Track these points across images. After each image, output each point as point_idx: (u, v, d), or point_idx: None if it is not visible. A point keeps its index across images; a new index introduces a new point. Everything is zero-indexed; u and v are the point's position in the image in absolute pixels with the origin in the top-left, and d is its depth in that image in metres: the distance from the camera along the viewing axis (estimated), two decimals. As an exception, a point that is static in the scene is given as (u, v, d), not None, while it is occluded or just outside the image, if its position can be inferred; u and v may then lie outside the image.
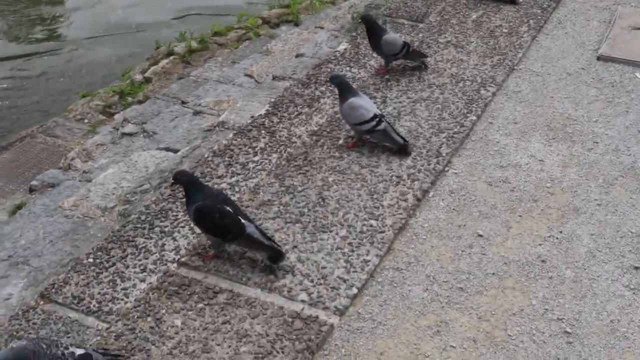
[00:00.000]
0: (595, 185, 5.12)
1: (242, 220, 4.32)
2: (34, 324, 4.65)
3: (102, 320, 4.56)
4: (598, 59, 6.41)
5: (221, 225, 4.34)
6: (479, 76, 6.11)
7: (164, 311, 4.21)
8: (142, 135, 8.06)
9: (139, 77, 9.56)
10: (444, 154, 5.29)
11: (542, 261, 4.57)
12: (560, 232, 4.76)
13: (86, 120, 8.94)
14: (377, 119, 5.19)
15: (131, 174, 6.98)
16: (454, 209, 4.90)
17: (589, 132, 5.59)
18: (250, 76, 8.55)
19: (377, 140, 5.30)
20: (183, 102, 8.40)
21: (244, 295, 4.28)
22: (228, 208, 4.35)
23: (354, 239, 4.62)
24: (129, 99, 9.18)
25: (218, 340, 4.03)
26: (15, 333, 4.61)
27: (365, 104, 5.24)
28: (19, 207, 7.44)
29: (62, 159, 8.15)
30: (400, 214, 4.80)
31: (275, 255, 4.37)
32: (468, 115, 5.68)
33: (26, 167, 8.35)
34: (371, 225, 4.71)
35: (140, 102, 9.03)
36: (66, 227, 6.43)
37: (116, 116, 8.88)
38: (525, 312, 4.25)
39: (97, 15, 12.16)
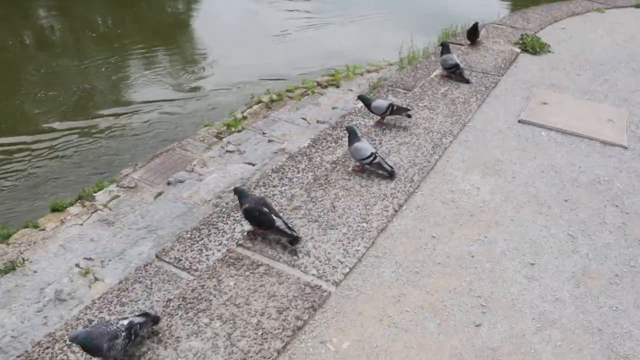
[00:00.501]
0: (511, 207, 4.71)
1: (274, 217, 4.10)
2: (149, 273, 4.41)
3: (191, 275, 4.31)
4: (519, 122, 6.00)
5: (259, 220, 4.12)
6: (442, 130, 5.71)
7: (223, 275, 3.94)
8: (237, 153, 7.81)
9: (239, 115, 9.31)
10: (415, 180, 4.92)
11: (472, 256, 4.18)
12: (486, 237, 4.36)
13: (205, 141, 8.71)
14: (373, 156, 4.86)
15: (225, 178, 6.72)
16: (418, 218, 4.52)
17: (509, 170, 5.17)
18: (305, 119, 8.24)
19: (374, 168, 4.95)
20: (263, 133, 8.12)
21: (276, 268, 3.97)
22: (265, 209, 4.10)
23: (351, 235, 4.27)
24: (232, 129, 8.93)
25: (255, 297, 3.74)
26: (138, 279, 4.39)
27: (365, 146, 4.91)
28: (160, 194, 7.25)
29: (189, 164, 7.94)
30: (383, 220, 4.45)
31: (293, 239, 4.13)
32: (433, 155, 5.29)
33: (168, 168, 8.15)
34: (363, 227, 4.36)
35: (239, 132, 8.77)
36: (183, 210, 6.20)
37: (224, 139, 8.63)
38: (457, 290, 3.88)
39: (223, 74, 12.00)
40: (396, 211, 4.56)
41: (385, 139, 5.55)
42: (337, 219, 4.43)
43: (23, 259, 6.54)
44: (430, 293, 3.85)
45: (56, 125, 10.17)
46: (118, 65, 12.71)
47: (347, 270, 3.97)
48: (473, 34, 7.91)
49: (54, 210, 7.51)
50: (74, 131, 10.02)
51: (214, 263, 4.04)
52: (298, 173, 5.44)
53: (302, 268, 3.97)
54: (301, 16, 15.39)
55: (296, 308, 3.66)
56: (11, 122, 10.45)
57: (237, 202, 4.50)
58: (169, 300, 3.77)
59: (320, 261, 4.03)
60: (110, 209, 7.32)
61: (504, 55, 7.62)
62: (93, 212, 7.33)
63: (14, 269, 6.30)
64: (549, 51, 8.00)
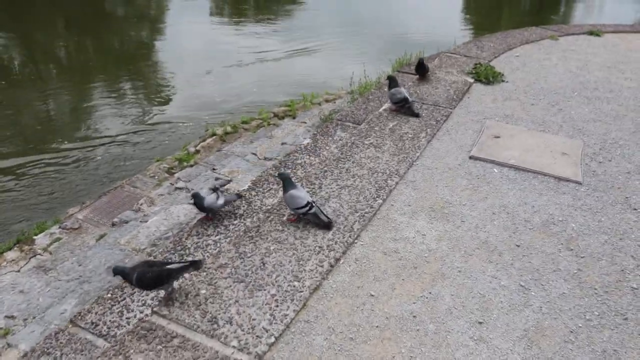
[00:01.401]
0: (459, 256, 4.17)
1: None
2: (60, 343, 3.79)
3: (108, 342, 3.71)
4: (470, 158, 5.48)
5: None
6: (388, 169, 5.17)
7: (132, 351, 3.33)
8: (185, 190, 7.22)
9: (192, 149, 8.72)
10: (355, 229, 4.35)
11: (414, 316, 3.61)
12: (430, 292, 3.80)
13: (156, 177, 8.09)
14: (309, 206, 4.31)
15: (167, 221, 6.12)
16: (356, 274, 3.95)
17: (459, 213, 4.64)
18: (255, 154, 7.66)
19: (309, 218, 4.39)
20: (213, 169, 7.54)
21: (192, 340, 3.37)
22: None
23: (280, 296, 3.68)
24: (185, 163, 8.33)
25: (166, 378, 3.16)
26: (47, 350, 3.78)
27: (301, 195, 4.36)
28: (102, 236, 6.62)
29: (136, 203, 7.33)
30: (317, 277, 3.86)
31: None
32: (377, 199, 4.74)
33: (115, 207, 7.52)
34: (294, 286, 3.77)
35: (190, 166, 8.18)
36: (118, 258, 5.58)
37: (175, 175, 8.03)
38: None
39: (184, 104, 11.46)
40: (332, 266, 3.98)
41: (326, 182, 4.98)
42: (266, 277, 3.84)
43: (-50, 312, 5.87)
44: (365, 364, 3.30)
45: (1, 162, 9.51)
46: (77, 95, 12.08)
47: (273, 340, 3.38)
48: (421, 68, 7.42)
49: (-10, 256, 6.85)
50: (21, 166, 9.35)
51: (123, 336, 3.44)
52: (235, 220, 4.86)
53: (222, 339, 3.37)
54: (266, 46, 14.90)
55: (210, 390, 3.08)
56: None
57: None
58: (65, 386, 3.19)
59: (243, 329, 3.43)
60: (50, 253, 6.66)
61: (456, 86, 7.14)
62: (31, 257, 6.67)
63: (-63, 324, 5.63)
64: (503, 80, 7.56)
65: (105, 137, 10.30)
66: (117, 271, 3.65)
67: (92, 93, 12.27)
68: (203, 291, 3.73)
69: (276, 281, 3.80)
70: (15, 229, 7.56)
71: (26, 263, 6.56)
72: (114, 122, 10.85)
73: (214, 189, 4.88)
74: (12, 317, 5.05)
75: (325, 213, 4.39)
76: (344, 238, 4.24)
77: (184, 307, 3.59)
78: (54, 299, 5.16)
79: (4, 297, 5.73)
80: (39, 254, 6.70)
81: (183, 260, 3.90)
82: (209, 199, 4.77)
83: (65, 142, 10.10)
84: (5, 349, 4.55)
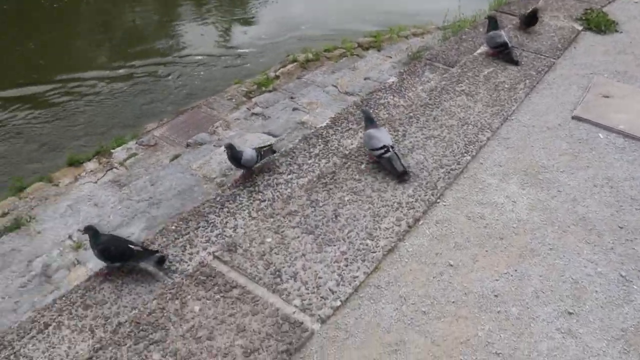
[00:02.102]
0: (552, 230, 3.61)
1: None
2: (122, 271, 3.58)
3: (169, 277, 3.48)
4: (572, 118, 4.76)
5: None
6: (480, 122, 4.57)
7: (189, 297, 3.06)
8: (261, 117, 6.87)
9: (272, 74, 8.32)
10: (439, 187, 3.84)
11: (495, 295, 3.15)
12: (515, 270, 3.31)
13: (234, 100, 7.78)
14: (385, 149, 3.85)
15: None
16: (436, 238, 3.49)
17: (555, 181, 4.03)
18: (335, 87, 7.15)
19: (384, 164, 3.94)
20: (291, 98, 7.12)
21: (253, 292, 3.06)
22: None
23: (351, 254, 3.29)
24: (263, 88, 7.96)
25: (221, 330, 2.85)
26: (109, 277, 3.59)
27: (379, 135, 3.91)
28: (176, 157, 6.43)
29: (211, 125, 7.07)
30: (392, 237, 3.43)
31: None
32: (465, 155, 4.19)
33: (191, 127, 7.30)
34: (367, 245, 3.36)
35: (269, 92, 7.80)
36: (188, 183, 5.34)
37: (253, 99, 7.69)
38: (471, 342, 2.88)
39: (268, 28, 10.97)
40: (410, 227, 3.53)
41: (411, 129, 4.45)
42: (337, 231, 3.44)
43: (30, 216, 5.88)
44: (437, 343, 2.88)
45: (93, 73, 9.41)
46: (165, 14, 11.77)
47: (339, 303, 3.02)
48: (532, 19, 6.47)
49: (71, 164, 6.82)
50: (107, 78, 9.26)
51: (181, 279, 3.17)
52: (310, 159, 4.46)
53: (284, 295, 3.05)
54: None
55: (267, 351, 2.76)
56: (49, 65, 9.75)
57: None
58: (119, 324, 2.96)
59: (308, 288, 3.09)
60: (126, 168, 6.56)
61: (562, 33, 6.28)
62: (108, 170, 6.59)
63: (19, 227, 5.65)
64: (617, 30, 6.60)
65: (187, 56, 10.03)
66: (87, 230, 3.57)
67: (180, 12, 11.92)
68: (269, 239, 3.39)
69: (348, 237, 3.40)
70: (100, 139, 7.50)
71: (103, 175, 6.48)
72: (197, 42, 10.54)
73: (257, 150, 4.29)
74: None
75: (402, 162, 3.90)
76: (425, 196, 3.76)
77: (247, 255, 3.28)
78: (123, 219, 5.01)
79: (80, 208, 5.67)
80: (116, 168, 6.60)
81: (149, 248, 3.61)
82: (247, 153, 4.22)
83: (150, 58, 9.90)
84: (74, 265, 4.45)
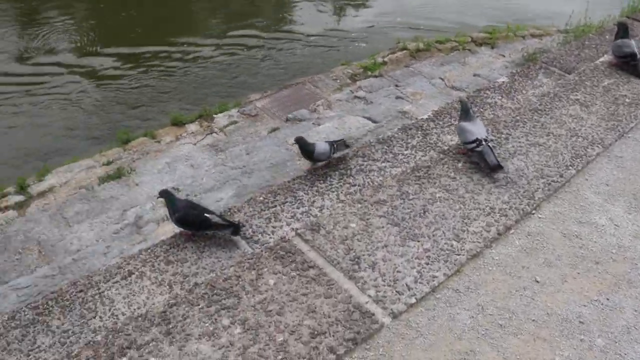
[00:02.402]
0: (656, 263, 3.36)
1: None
2: (206, 233, 3.68)
3: (249, 246, 3.54)
4: (700, 144, 4.34)
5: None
6: (591, 135, 4.27)
7: (266, 270, 3.10)
8: (363, 102, 6.82)
9: (380, 59, 8.22)
10: (536, 198, 3.64)
11: (581, 322, 2.96)
12: (607, 299, 3.08)
13: (338, 81, 7.77)
14: (478, 142, 3.73)
15: (339, 130, 5.80)
16: (525, 250, 3.32)
17: (668, 210, 3.74)
18: (442, 79, 6.96)
19: (476, 159, 3.82)
20: (396, 85, 7.01)
21: (329, 276, 3.05)
22: None
23: (434, 253, 3.20)
24: (369, 72, 7.89)
25: (292, 308, 2.87)
26: (192, 237, 3.70)
27: (472, 129, 3.79)
28: (274, 130, 6.53)
29: (313, 103, 7.10)
30: (479, 242, 3.29)
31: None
32: (569, 168, 3.93)
33: (293, 102, 7.38)
34: (451, 246, 3.25)
35: (375, 77, 7.73)
36: (282, 158, 5.41)
37: (357, 83, 7.65)
38: (547, 366, 2.76)
39: (372, 13, 10.85)
40: (500, 234, 3.38)
41: (515, 133, 4.24)
42: (423, 227, 3.36)
43: (130, 168, 6.19)
44: (510, 360, 2.78)
45: (206, 40, 9.73)
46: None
47: (414, 300, 2.95)
48: None
49: (174, 123, 7.09)
50: (217, 46, 9.54)
51: (261, 251, 3.21)
52: (406, 150, 4.37)
53: (359, 283, 3.02)
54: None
55: (334, 336, 2.75)
56: (164, 27, 10.19)
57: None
58: (195, 284, 3.04)
59: (385, 280, 3.04)
60: (225, 134, 6.74)
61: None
62: (208, 134, 6.80)
63: (120, 177, 5.97)
64: None
65: (299, 33, 10.11)
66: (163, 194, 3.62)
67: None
68: (353, 225, 3.36)
69: (433, 235, 3.31)
70: (196, 103, 7.76)
71: (203, 138, 6.69)
72: (310, 20, 10.59)
73: (330, 143, 4.11)
74: (177, 189, 5.13)
75: (496, 155, 3.74)
76: (521, 205, 3.58)
77: (329, 237, 3.27)
78: (215, 183, 5.15)
79: (177, 166, 5.89)
80: (215, 133, 6.80)
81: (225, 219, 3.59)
82: (320, 147, 4.05)
83: (262, 32, 10.08)
84: (163, 220, 4.63)
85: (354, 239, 3.26)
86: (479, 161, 3.82)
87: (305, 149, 4.08)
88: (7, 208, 5.95)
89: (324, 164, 4.17)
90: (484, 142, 3.75)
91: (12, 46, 9.36)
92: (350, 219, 3.40)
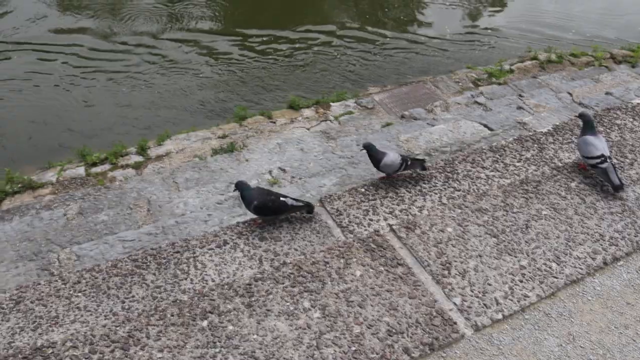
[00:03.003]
0: None
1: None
2: (303, 216, 3.76)
3: (343, 234, 3.58)
4: None
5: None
6: None
7: (354, 260, 3.11)
8: (482, 108, 6.60)
9: (506, 67, 7.93)
10: (656, 232, 3.39)
11: (685, 372, 2.74)
12: None
13: (460, 84, 7.59)
14: (602, 159, 3.56)
15: (452, 133, 5.66)
16: (632, 286, 3.08)
17: None
18: (570, 94, 6.56)
19: (598, 176, 3.64)
20: (520, 96, 6.71)
21: (416, 276, 3.02)
22: None
23: (530, 271, 3.06)
24: (493, 79, 7.64)
25: (374, 302, 2.87)
26: (289, 218, 3.79)
27: (597, 144, 3.63)
28: (388, 125, 6.50)
29: (431, 103, 6.99)
30: (581, 269, 3.11)
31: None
32: None
33: (411, 100, 7.31)
34: (550, 267, 3.09)
35: (499, 84, 7.47)
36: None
37: (480, 88, 7.43)
38: (638, 412, 2.57)
39: (506, 17, 10.48)
40: (606, 264, 3.17)
41: (646, 162, 3.96)
42: (522, 243, 3.22)
43: (243, 144, 6.43)
44: (595, 399, 2.60)
45: (334, 30, 9.87)
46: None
47: (500, 317, 2.85)
48: None
49: (291, 107, 7.26)
50: (344, 37, 9.62)
51: (352, 241, 3.23)
52: (518, 162, 4.20)
53: (447, 289, 2.95)
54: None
55: (411, 337, 2.72)
56: (291, 13, 10.45)
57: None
58: (283, 263, 3.11)
59: (473, 290, 2.95)
60: (339, 123, 6.81)
61: None
62: (322, 121, 6.90)
63: (232, 151, 6.21)
64: None
65: (424, 33, 9.96)
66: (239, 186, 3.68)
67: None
68: (450, 229, 3.30)
69: (532, 252, 3.17)
70: (313, 90, 7.90)
71: (316, 125, 6.80)
72: (440, 21, 10.41)
73: (404, 158, 3.98)
74: (284, 170, 5.25)
75: (619, 176, 3.51)
76: (636, 237, 3.34)
77: (423, 238, 3.23)
78: (321, 169, 5.22)
79: (287, 148, 6.03)
80: (330, 121, 6.88)
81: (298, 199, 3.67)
82: (389, 158, 3.96)
83: (390, 29, 10.04)
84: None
85: (448, 244, 3.19)
86: (601, 178, 3.63)
87: (374, 156, 4.03)
88: (127, 166, 6.40)
89: (392, 176, 4.09)
90: (608, 160, 3.55)
91: (151, 26, 9.99)
92: (448, 222, 3.33)
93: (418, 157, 4.11)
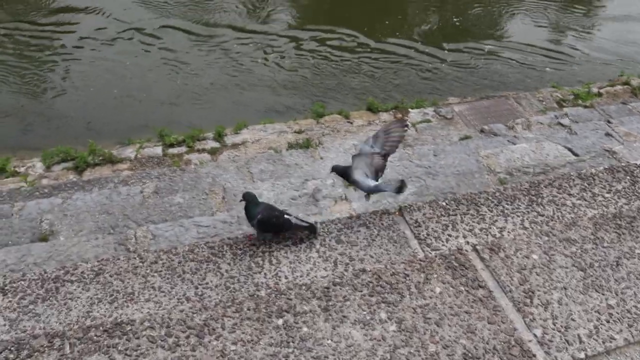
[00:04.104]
0: None
1: None
2: (382, 222, 3.73)
3: (420, 247, 3.53)
4: None
5: None
6: None
7: (435, 276, 3.05)
8: (566, 131, 6.39)
9: (594, 90, 7.67)
10: None
11: None
12: None
13: (544, 103, 7.38)
14: None
15: (534, 154, 5.49)
16: None
17: None
18: (671, 125, 6.27)
19: None
20: (608, 122, 6.45)
21: (497, 301, 2.93)
22: None
23: (618, 312, 2.92)
24: (580, 101, 7.39)
25: (451, 322, 2.81)
26: (367, 222, 3.76)
27: None
28: (466, 137, 6.38)
29: (512, 120, 6.82)
30: (675, 317, 2.97)
31: None
32: None
33: (491, 114, 7.17)
34: (640, 310, 2.98)
35: (584, 107, 7.21)
36: (470, 168, 5.25)
37: (564, 109, 7.20)
38: None
39: (602, 38, 10.13)
40: (703, 315, 3.01)
41: None
42: (611, 281, 3.08)
43: (319, 141, 6.45)
44: None
45: (414, 38, 9.79)
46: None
47: (582, 356, 2.71)
48: None
49: (369, 109, 7.24)
50: (429, 45, 9.55)
51: (434, 256, 3.17)
52: (608, 193, 4.04)
53: (528, 318, 2.86)
54: None
55: (488, 365, 2.66)
56: (381, 19, 10.42)
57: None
58: (362, 270, 3.08)
59: (555, 323, 2.84)
60: (415, 130, 6.75)
61: None
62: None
63: (307, 147, 6.25)
64: None
65: (509, 46, 9.72)
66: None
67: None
68: (535, 256, 3.19)
69: (622, 292, 3.03)
70: (391, 95, 7.86)
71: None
72: (525, 34, 10.14)
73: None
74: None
75: None
76: None
77: (506, 262, 3.14)
78: (397, 175, 5.15)
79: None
80: (411, 128, 6.83)
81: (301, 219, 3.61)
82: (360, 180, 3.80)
83: (472, 40, 9.87)
84: (341, 199, 4.75)
85: (533, 271, 3.09)
86: None
87: (344, 176, 3.94)
88: (203, 151, 6.53)
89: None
90: None
91: (240, 19, 10.18)
92: (534, 249, 3.23)
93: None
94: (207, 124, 7.00)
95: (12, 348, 2.63)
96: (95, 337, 2.71)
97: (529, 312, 2.88)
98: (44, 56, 8.91)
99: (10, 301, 3.20)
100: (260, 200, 3.62)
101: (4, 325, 3.07)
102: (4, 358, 2.58)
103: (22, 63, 8.72)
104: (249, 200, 3.55)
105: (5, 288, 3.27)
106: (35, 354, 2.62)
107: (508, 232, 3.67)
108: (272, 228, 3.54)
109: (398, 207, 3.88)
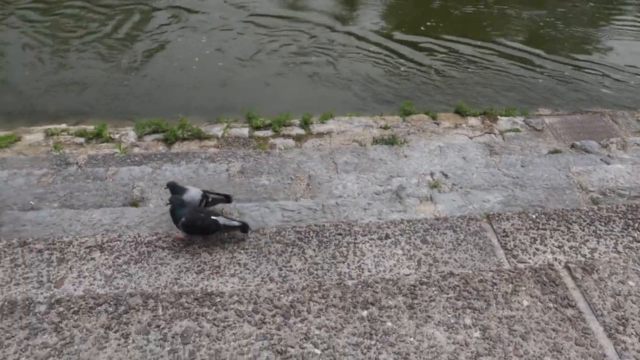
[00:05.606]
0: None
1: None
2: (469, 228, 3.70)
3: (506, 258, 3.48)
4: None
5: None
6: None
7: (523, 289, 3.00)
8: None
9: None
10: None
11: None
12: None
13: (646, 120, 7.11)
14: None
15: (630, 176, 5.28)
16: None
17: None
18: None
19: None
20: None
21: (587, 324, 2.84)
22: None
23: None
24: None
25: (538, 337, 2.74)
26: (454, 226, 3.73)
27: None
28: (556, 152, 6.21)
29: (606, 139, 6.58)
30: None
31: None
32: None
33: (584, 130, 6.95)
34: None
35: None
36: (560, 183, 5.09)
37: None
38: None
39: None
40: None
41: None
42: None
43: (404, 139, 6.43)
44: None
45: (503, 44, 9.57)
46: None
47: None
48: None
49: (457, 112, 7.16)
50: (519, 52, 9.35)
51: (524, 269, 3.11)
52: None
53: (620, 346, 2.77)
54: None
55: (570, 387, 2.59)
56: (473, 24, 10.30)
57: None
58: (450, 273, 3.06)
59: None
60: (503, 138, 6.63)
61: None
62: (487, 133, 6.75)
63: (392, 144, 6.25)
64: None
65: (611, 63, 9.34)
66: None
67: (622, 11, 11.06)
68: (632, 283, 3.05)
69: None
70: (482, 101, 7.74)
71: (480, 135, 6.67)
72: (630, 51, 9.74)
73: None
74: (446, 176, 5.17)
75: None
76: None
77: (599, 284, 3.02)
78: (484, 183, 5.09)
79: (449, 153, 5.95)
80: (494, 134, 6.72)
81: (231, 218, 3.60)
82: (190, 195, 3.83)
83: (566, 52, 9.56)
84: (426, 199, 4.72)
85: (628, 298, 2.98)
86: None
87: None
88: (288, 136, 6.64)
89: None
90: None
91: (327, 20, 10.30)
92: (631, 276, 3.11)
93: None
94: (293, 110, 7.12)
95: (111, 302, 2.78)
96: (186, 304, 2.81)
97: (621, 340, 2.79)
98: (137, 32, 9.40)
99: (107, 259, 3.38)
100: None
101: (100, 280, 3.24)
102: (104, 310, 2.73)
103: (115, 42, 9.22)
104: (175, 202, 3.54)
105: (103, 246, 3.45)
106: (131, 311, 2.75)
107: (600, 254, 3.55)
108: (198, 231, 3.49)
109: (485, 215, 3.83)
